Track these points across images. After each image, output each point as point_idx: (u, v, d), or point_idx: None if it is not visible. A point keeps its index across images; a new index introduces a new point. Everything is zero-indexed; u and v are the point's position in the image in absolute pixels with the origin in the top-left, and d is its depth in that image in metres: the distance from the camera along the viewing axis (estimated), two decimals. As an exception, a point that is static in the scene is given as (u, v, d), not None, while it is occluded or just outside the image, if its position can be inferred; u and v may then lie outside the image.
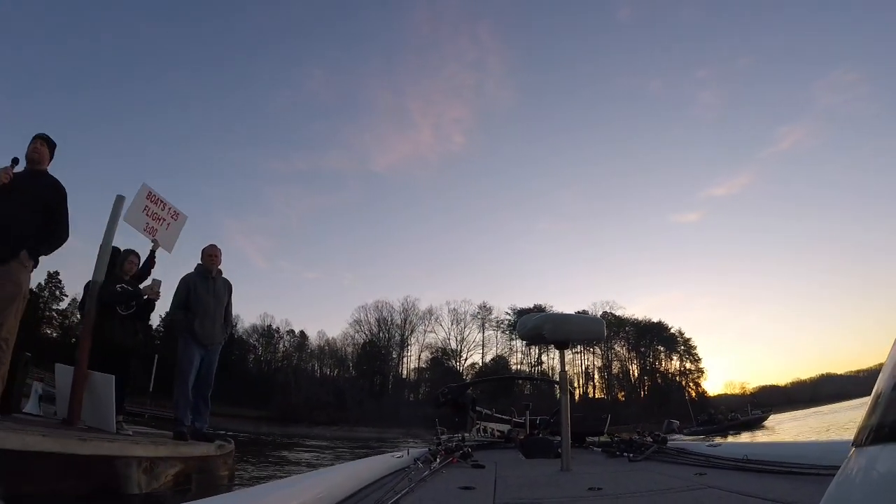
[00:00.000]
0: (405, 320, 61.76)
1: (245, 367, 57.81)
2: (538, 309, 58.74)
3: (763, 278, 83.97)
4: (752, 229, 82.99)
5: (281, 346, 61.09)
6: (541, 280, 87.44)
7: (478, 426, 6.48)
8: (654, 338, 60.87)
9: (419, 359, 61.81)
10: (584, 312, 58.39)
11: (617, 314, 60.46)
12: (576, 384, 59.92)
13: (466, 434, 5.80)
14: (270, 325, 60.87)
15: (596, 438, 5.66)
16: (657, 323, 61.79)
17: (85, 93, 69.84)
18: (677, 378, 59.40)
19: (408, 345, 61.83)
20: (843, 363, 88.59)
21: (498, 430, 6.69)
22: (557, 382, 3.29)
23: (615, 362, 61.26)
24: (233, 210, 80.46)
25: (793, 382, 63.56)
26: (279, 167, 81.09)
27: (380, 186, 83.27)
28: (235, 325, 58.72)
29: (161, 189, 5.07)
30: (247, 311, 72.43)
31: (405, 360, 61.98)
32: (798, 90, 78.59)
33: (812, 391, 57.27)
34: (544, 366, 60.38)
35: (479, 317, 62.50)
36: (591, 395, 58.24)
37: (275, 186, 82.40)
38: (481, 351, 61.68)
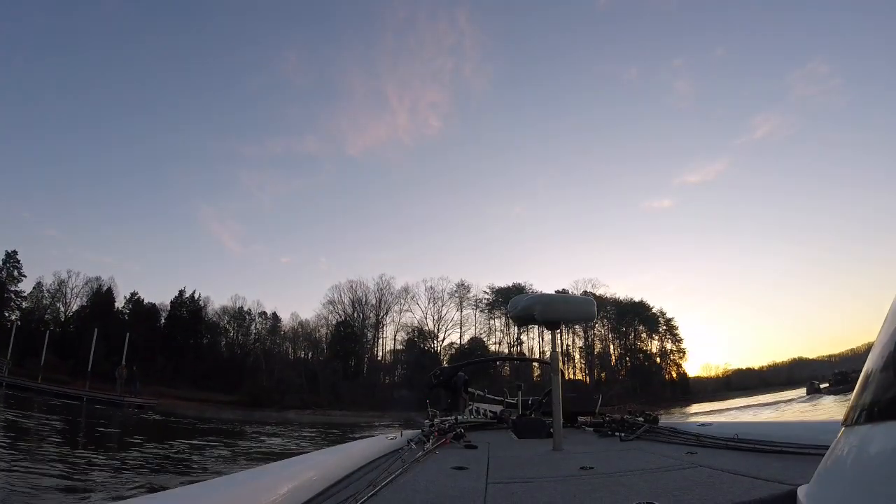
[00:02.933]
0: (380, 300, 60.34)
1: (217, 350, 56.54)
2: (518, 288, 58.51)
3: (738, 264, 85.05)
4: (726, 216, 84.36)
5: (253, 328, 59.49)
6: (520, 259, 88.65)
7: (470, 407, 6.53)
8: (635, 317, 60.66)
9: (395, 339, 60.72)
10: (565, 291, 58.54)
11: (599, 293, 60.05)
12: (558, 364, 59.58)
13: (459, 415, 5.68)
14: (242, 307, 58.99)
15: (587, 418, 5.60)
16: (639, 302, 62.11)
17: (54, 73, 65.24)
18: (658, 359, 59.32)
19: (383, 325, 60.49)
20: (815, 348, 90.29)
21: (490, 411, 6.61)
22: (549, 363, 3.21)
23: (596, 342, 60.81)
24: (207, 195, 78.76)
25: (769, 365, 65.22)
26: (254, 152, 79.26)
27: (355, 171, 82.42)
28: (205, 307, 56.59)
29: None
30: (218, 294, 71.27)
31: (380, 341, 60.92)
32: (773, 80, 78.26)
33: (788, 374, 58.54)
34: (524, 346, 60.51)
35: (456, 295, 61.36)
36: (569, 377, 57.96)
37: (249, 171, 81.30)
38: (459, 330, 60.77)
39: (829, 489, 0.83)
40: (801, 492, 0.98)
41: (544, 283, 63.40)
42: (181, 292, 57.09)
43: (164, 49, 71.34)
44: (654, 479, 1.89)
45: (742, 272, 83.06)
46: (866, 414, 0.70)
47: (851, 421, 0.74)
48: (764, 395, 42.10)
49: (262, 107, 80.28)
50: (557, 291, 58.45)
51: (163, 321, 56.28)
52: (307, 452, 3.02)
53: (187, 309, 56.51)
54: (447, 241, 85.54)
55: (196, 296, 57.23)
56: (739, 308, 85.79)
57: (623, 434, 3.66)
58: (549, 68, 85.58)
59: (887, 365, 0.68)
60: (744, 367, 64.88)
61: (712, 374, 63.90)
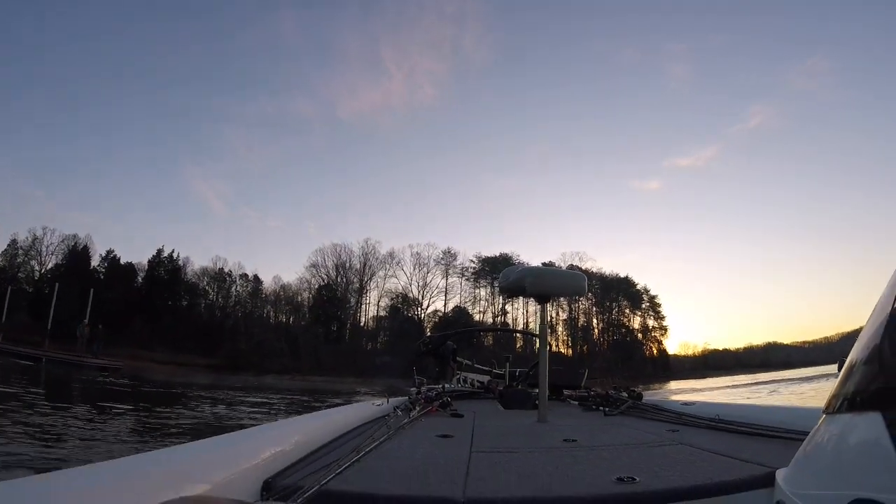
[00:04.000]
0: (364, 264, 59.15)
1: (196, 313, 55.46)
2: (505, 258, 58.31)
3: (720, 249, 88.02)
4: (713, 201, 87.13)
5: (234, 290, 58.36)
6: (508, 230, 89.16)
7: (458, 376, 6.52)
8: (619, 293, 60.96)
9: (378, 305, 59.88)
10: (552, 263, 58.74)
11: (586, 266, 60.23)
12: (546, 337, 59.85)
13: (447, 384, 5.81)
14: (223, 269, 57.69)
15: (572, 392, 5.71)
16: (624, 278, 62.34)
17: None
18: (640, 335, 59.93)
19: (367, 291, 59.57)
20: (789, 334, 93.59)
21: (478, 381, 6.71)
22: (537, 335, 3.26)
23: (580, 316, 61.03)
24: (194, 154, 77.18)
25: (745, 347, 66.80)
26: (243, 110, 77.33)
27: (347, 135, 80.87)
28: (184, 267, 55.31)
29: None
30: (200, 256, 70.02)
31: (364, 307, 60.04)
32: (772, 72, 78.99)
33: (763, 357, 59.91)
34: (508, 316, 60.64)
35: (442, 262, 60.34)
36: (552, 350, 58.33)
37: (238, 130, 78.49)
38: (444, 298, 60.02)
39: (806, 473, 0.86)
40: (780, 474, 1.01)
41: (532, 254, 63.84)
42: (159, 251, 55.76)
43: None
44: (635, 453, 1.92)
45: (723, 257, 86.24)
46: (848, 403, 0.72)
47: (833, 409, 0.75)
48: (743, 376, 42.60)
49: (255, 64, 78.35)
50: (544, 264, 59.19)
51: (140, 281, 54.90)
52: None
53: (165, 269, 55.13)
54: (436, 208, 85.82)
55: (175, 255, 55.78)
56: (718, 291, 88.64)
57: (607, 409, 3.68)
58: (548, 43, 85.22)
59: (871, 357, 0.70)
60: (720, 347, 66.66)
61: (690, 352, 65.20)
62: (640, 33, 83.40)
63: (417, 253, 59.62)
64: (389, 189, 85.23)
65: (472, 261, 60.64)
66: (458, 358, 6.76)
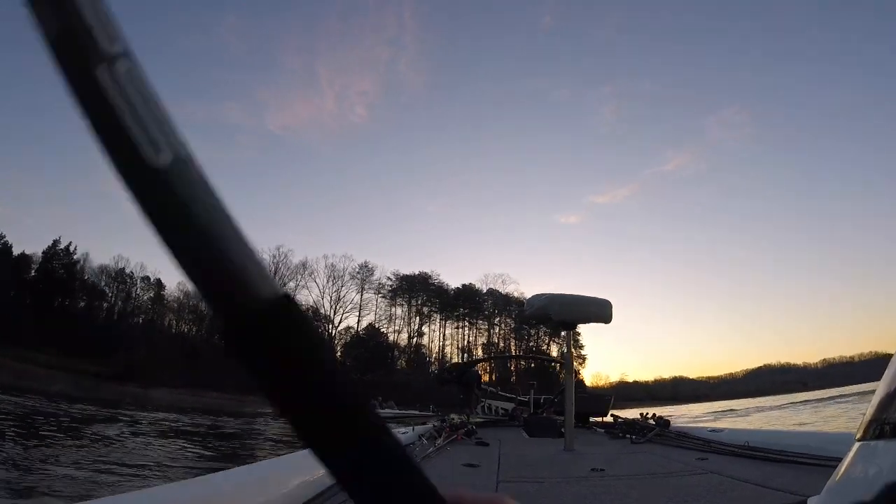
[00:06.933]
0: (275, 273, 56.53)
1: (94, 315, 52.03)
2: (424, 276, 58.01)
3: (633, 282, 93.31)
4: (627, 237, 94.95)
5: (134, 293, 55.11)
6: (429, 249, 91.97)
7: (482, 404, 6.62)
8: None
9: None
10: (472, 285, 61.04)
11: (508, 290, 60.65)
12: (455, 359, 59.48)
13: (471, 412, 5.86)
14: (124, 269, 53.95)
15: (598, 419, 5.68)
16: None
17: None
18: (558, 366, 60.33)
19: None
20: (695, 369, 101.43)
21: (502, 408, 6.79)
22: (562, 362, 3.00)
23: (500, 341, 61.05)
24: None
25: (655, 380, 69.56)
26: (171, 112, 74.25)
27: (274, 146, 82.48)
28: (81, 263, 51.40)
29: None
30: (102, 254, 65.87)
31: None
32: (691, 120, 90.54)
33: (672, 390, 61.66)
34: (425, 338, 59.85)
35: (358, 276, 58.74)
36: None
37: None
38: (358, 314, 58.22)
39: (840, 502, 0.79)
40: (812, 503, 0.96)
41: (453, 275, 64.13)
42: (55, 242, 51.63)
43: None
44: (664, 483, 1.90)
45: (635, 290, 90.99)
46: (882, 430, 0.70)
47: (868, 435, 0.72)
48: (655, 408, 43.70)
49: (189, 66, 77.78)
50: (464, 285, 59.10)
51: (33, 274, 50.59)
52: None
53: (61, 263, 50.97)
54: (356, 221, 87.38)
55: (72, 249, 51.73)
56: (633, 323, 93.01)
57: (634, 437, 3.67)
58: (482, 74, 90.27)
59: None
60: (631, 380, 68.97)
61: (603, 382, 66.85)
62: (574, 74, 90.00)
63: (332, 264, 58.05)
64: (310, 202, 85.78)
65: (389, 278, 59.53)
66: (482, 385, 6.76)
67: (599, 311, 3.53)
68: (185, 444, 10.40)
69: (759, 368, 74.49)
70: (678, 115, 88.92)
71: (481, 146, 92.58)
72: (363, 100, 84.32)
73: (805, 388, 59.60)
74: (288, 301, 0.22)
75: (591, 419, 5.80)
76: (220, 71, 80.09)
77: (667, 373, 72.29)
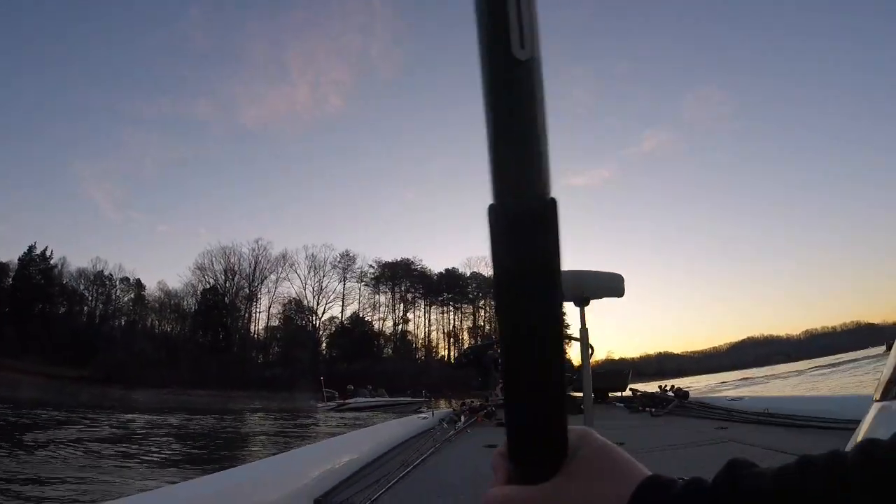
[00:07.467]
0: (255, 267, 55.75)
1: (74, 319, 51.44)
2: (406, 262, 57.66)
3: (618, 262, 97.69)
4: (605, 220, 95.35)
5: (114, 295, 54.30)
6: (409, 235, 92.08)
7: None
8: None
9: (269, 312, 56.80)
10: (455, 270, 60.62)
11: (491, 272, 59.79)
12: (442, 344, 59.67)
13: (490, 394, 5.84)
14: (102, 271, 53.41)
15: (618, 394, 5.67)
16: (530, 287, 62.02)
17: None
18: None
19: (257, 298, 56.35)
20: (680, 345, 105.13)
21: None
22: (577, 339, 3.20)
23: (487, 324, 61.13)
24: (84, 152, 73.86)
25: (641, 357, 71.45)
26: (141, 110, 75.71)
27: (247, 140, 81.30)
28: (59, 267, 50.79)
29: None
30: (80, 258, 65.31)
31: (254, 314, 56.70)
32: (667, 100, 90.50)
33: (657, 366, 62.35)
34: (410, 324, 59.89)
35: (340, 266, 58.14)
36: (448, 359, 57.93)
37: (135, 131, 76.78)
38: (341, 304, 57.76)
39: None
40: None
41: (435, 259, 64.02)
42: (31, 248, 50.91)
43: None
44: (685, 454, 1.95)
45: (617, 268, 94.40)
46: None
47: (886, 396, 0.72)
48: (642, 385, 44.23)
49: (156, 62, 76.59)
50: (447, 270, 59.14)
51: (10, 281, 49.96)
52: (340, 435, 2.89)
53: (38, 269, 50.37)
54: (335, 210, 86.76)
55: (48, 254, 51.08)
56: (613, 302, 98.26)
57: (654, 409, 3.66)
58: (453, 58, 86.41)
59: None
60: (617, 357, 69.57)
61: (591, 361, 67.27)
62: (547, 56, 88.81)
63: (313, 255, 57.19)
64: (287, 194, 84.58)
65: (371, 265, 59.07)
66: (500, 367, 6.66)
67: (613, 284, 3.48)
68: (171, 447, 10.16)
69: (743, 341, 76.44)
70: (655, 94, 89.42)
71: (457, 130, 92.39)
72: (337, 89, 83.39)
73: (788, 359, 60.40)
74: (554, 203, 0.27)
75: (611, 394, 5.82)
76: (187, 67, 78.87)
77: (651, 349, 74.38)
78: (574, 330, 3.24)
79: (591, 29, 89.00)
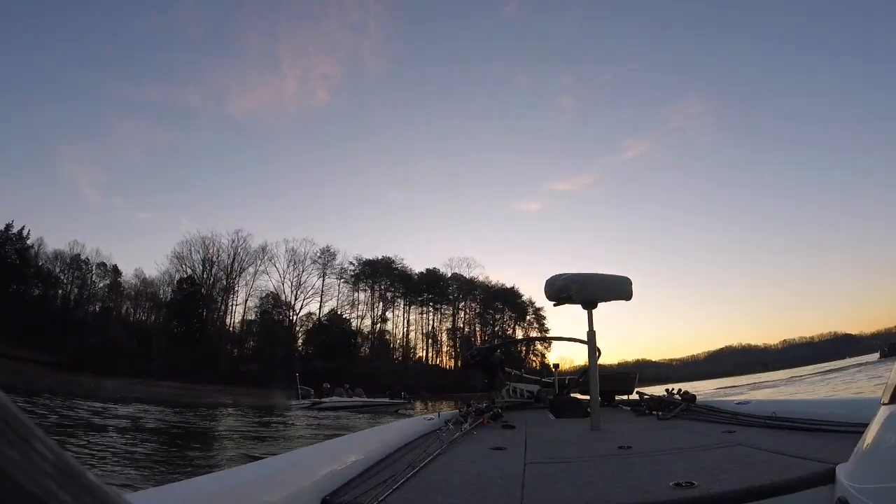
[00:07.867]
0: (234, 258, 54.80)
1: (48, 303, 50.38)
2: (387, 261, 57.40)
3: (600, 267, 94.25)
4: (587, 224, 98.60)
5: (90, 280, 53.35)
6: (391, 234, 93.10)
7: (507, 387, 6.66)
8: (505, 303, 61.15)
9: (245, 305, 55.82)
10: (436, 270, 60.60)
11: (473, 273, 60.86)
12: (420, 345, 59.44)
13: (496, 396, 5.96)
14: (79, 255, 52.57)
15: (625, 397, 5.71)
16: (510, 289, 62.69)
17: None
18: (522, 348, 60.50)
19: (235, 290, 55.43)
20: (657, 353, 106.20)
21: (527, 391, 6.78)
22: (584, 342, 3.35)
23: (466, 326, 61.04)
24: (69, 134, 72.90)
25: (619, 363, 70.23)
26: (129, 95, 74.37)
27: (234, 130, 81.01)
28: (35, 248, 49.92)
29: None
30: (57, 240, 64.25)
31: (231, 307, 55.65)
32: (650, 110, 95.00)
33: (638, 372, 62.36)
34: (388, 324, 59.53)
35: (320, 261, 57.36)
36: (434, 361, 57.81)
37: (123, 117, 75.98)
38: (320, 300, 57.05)
39: (868, 467, 0.85)
40: (840, 470, 1.00)
41: (417, 260, 63.87)
42: (8, 226, 49.83)
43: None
44: (692, 457, 1.92)
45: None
46: None
47: (893, 400, 0.73)
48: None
49: (148, 48, 76.65)
50: (428, 270, 58.85)
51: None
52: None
53: (14, 248, 49.44)
54: (317, 204, 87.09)
55: (25, 234, 50.11)
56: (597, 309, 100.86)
57: (660, 413, 3.73)
58: (444, 60, 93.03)
59: None
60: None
61: (569, 366, 67.62)
62: (535, 62, 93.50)
63: (293, 249, 56.41)
64: (271, 186, 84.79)
65: (352, 263, 58.26)
66: (506, 368, 6.91)
67: (621, 287, 3.57)
68: (131, 440, 9.69)
69: (721, 350, 77.07)
70: (638, 103, 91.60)
71: (443, 132, 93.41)
72: (325, 84, 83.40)
73: (766, 368, 60.81)
74: None
75: (617, 398, 5.82)
76: (179, 53, 78.47)
77: (630, 356, 74.56)
78: (581, 333, 3.24)
79: (577, 38, 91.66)
